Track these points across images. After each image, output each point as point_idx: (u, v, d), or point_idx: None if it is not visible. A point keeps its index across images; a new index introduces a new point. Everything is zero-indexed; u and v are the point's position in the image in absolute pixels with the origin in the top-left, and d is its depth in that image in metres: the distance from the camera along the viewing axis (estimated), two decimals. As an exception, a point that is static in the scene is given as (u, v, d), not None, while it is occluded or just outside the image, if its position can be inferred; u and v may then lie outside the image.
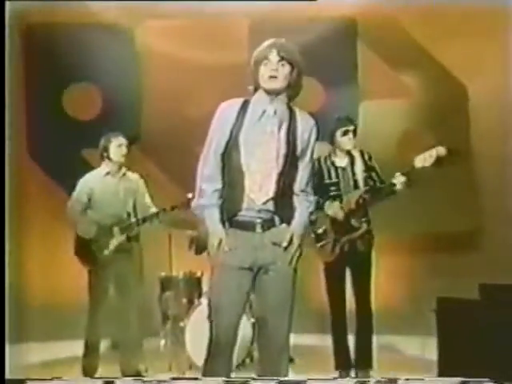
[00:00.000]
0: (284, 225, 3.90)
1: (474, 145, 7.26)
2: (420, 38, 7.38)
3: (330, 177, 5.90)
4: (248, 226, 3.86)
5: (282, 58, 3.80)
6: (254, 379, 3.94)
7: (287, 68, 3.81)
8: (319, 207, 5.71)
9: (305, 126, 3.91)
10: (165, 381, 4.00)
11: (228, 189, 3.91)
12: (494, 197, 7.03)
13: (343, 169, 5.92)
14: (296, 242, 3.89)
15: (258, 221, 3.86)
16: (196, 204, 4.10)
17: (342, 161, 5.91)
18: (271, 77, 3.80)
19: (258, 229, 3.86)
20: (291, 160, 3.88)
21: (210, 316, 3.95)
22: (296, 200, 3.96)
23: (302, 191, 3.97)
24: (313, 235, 5.86)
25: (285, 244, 3.85)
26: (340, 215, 5.78)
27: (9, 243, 6.31)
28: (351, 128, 5.85)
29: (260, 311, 3.99)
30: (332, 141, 5.89)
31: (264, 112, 3.86)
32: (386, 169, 5.79)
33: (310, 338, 6.89)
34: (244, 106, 3.91)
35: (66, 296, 6.97)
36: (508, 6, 6.92)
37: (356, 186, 5.87)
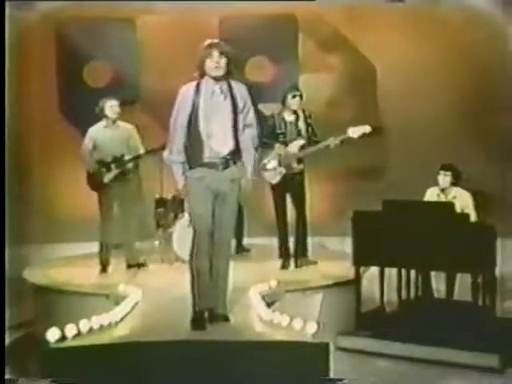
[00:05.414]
0: (236, 166, 4.88)
1: (380, 105, 8.52)
2: (343, 29, 8.69)
3: (280, 128, 6.84)
4: (213, 166, 4.82)
5: (221, 53, 4.78)
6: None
7: (224, 60, 4.80)
8: (271, 147, 6.83)
9: (240, 92, 4.90)
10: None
11: (193, 146, 4.79)
12: (395, 140, 8.23)
13: (290, 123, 6.80)
14: (249, 177, 4.94)
15: (220, 163, 4.84)
16: (166, 157, 5.33)
17: (289, 117, 6.82)
18: (216, 67, 4.78)
19: (220, 168, 4.84)
20: (237, 119, 4.86)
21: (191, 217, 5.01)
22: (244, 149, 4.91)
23: (247, 142, 4.92)
24: (263, 165, 6.78)
25: (249, 189, 4.95)
26: (283, 155, 6.77)
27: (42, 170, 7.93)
28: (298, 93, 6.79)
29: (215, 220, 4.95)
30: (283, 102, 6.82)
31: (213, 91, 4.82)
32: (317, 123, 6.87)
33: (261, 240, 7.94)
34: (198, 88, 4.83)
35: (84, 209, 7.90)
36: (412, 5, 8.20)
37: (298, 135, 6.77)
